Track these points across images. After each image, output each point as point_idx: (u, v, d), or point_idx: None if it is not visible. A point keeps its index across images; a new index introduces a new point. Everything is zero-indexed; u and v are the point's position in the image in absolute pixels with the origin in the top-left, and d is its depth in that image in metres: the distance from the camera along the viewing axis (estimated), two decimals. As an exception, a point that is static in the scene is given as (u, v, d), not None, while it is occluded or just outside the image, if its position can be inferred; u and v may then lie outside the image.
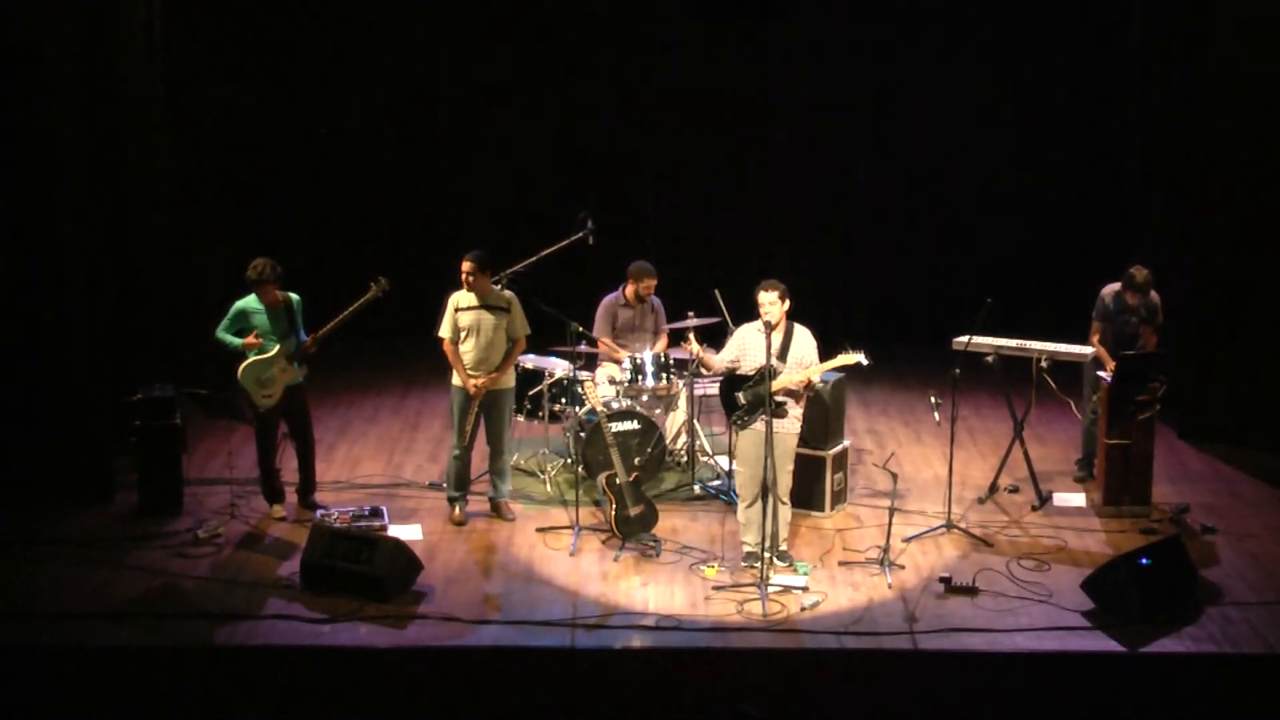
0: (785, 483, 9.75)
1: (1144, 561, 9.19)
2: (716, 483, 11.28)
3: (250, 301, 10.37)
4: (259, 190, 14.68)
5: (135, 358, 11.85)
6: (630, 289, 11.62)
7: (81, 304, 11.00)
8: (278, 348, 10.35)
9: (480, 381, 10.40)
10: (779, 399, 9.53)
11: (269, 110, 14.69)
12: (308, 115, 14.89)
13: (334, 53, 14.88)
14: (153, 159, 12.39)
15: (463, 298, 10.46)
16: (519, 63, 15.01)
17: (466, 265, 10.36)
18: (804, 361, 9.61)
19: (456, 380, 10.49)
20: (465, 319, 10.42)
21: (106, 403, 11.11)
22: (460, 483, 10.63)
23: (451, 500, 10.66)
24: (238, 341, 10.34)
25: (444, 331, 10.48)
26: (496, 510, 10.71)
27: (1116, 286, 10.93)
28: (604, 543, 10.24)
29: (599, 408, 10.55)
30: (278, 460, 10.69)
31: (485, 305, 10.45)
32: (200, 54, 13.33)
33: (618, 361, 11.42)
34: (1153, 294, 10.86)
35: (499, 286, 10.61)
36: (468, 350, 10.43)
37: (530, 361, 11.45)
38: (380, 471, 11.70)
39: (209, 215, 13.64)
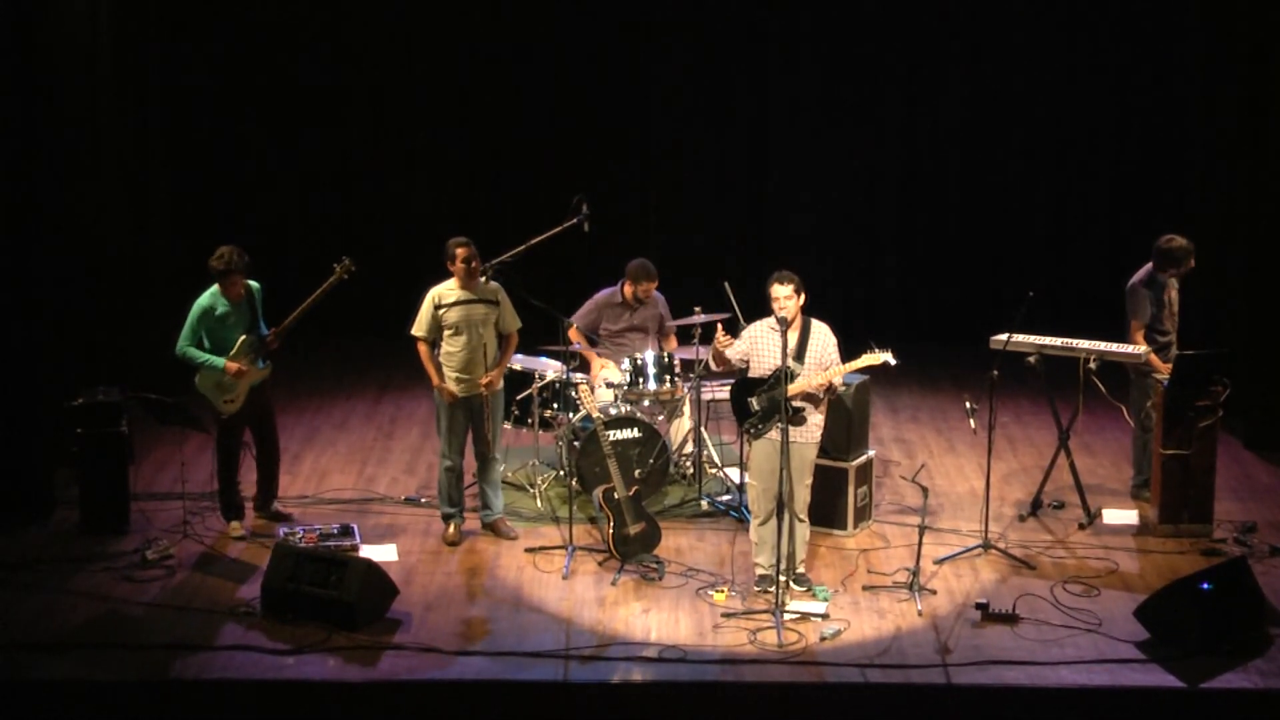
0: (803, 498, 9.72)
1: (1205, 586, 9.16)
2: (726, 498, 11.27)
3: (213, 298, 10.31)
4: (212, 172, 14.70)
5: (76, 358, 11.81)
6: (628, 289, 11.61)
7: (14, 298, 10.96)
8: (240, 342, 10.32)
9: (454, 389, 10.39)
10: (796, 404, 9.50)
11: (223, 89, 14.70)
12: (266, 93, 14.88)
13: (299, 24, 14.86)
14: (95, 139, 12.37)
15: (446, 292, 10.42)
16: (507, 29, 15.00)
17: (463, 251, 10.31)
18: (824, 362, 9.58)
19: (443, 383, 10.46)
20: (452, 315, 10.37)
21: (44, 408, 11.07)
22: (454, 498, 10.61)
23: (446, 518, 10.64)
24: (219, 361, 10.27)
25: (419, 330, 10.44)
26: (494, 530, 10.67)
27: (1144, 273, 10.91)
28: (601, 564, 10.22)
29: (595, 414, 10.53)
30: (239, 472, 10.68)
31: (475, 299, 10.41)
32: (148, 32, 13.31)
33: (587, 356, 11.51)
34: None
35: (483, 279, 10.58)
36: (456, 350, 10.38)
37: (518, 363, 11.42)
38: (351, 485, 11.69)
39: (159, 201, 13.62)
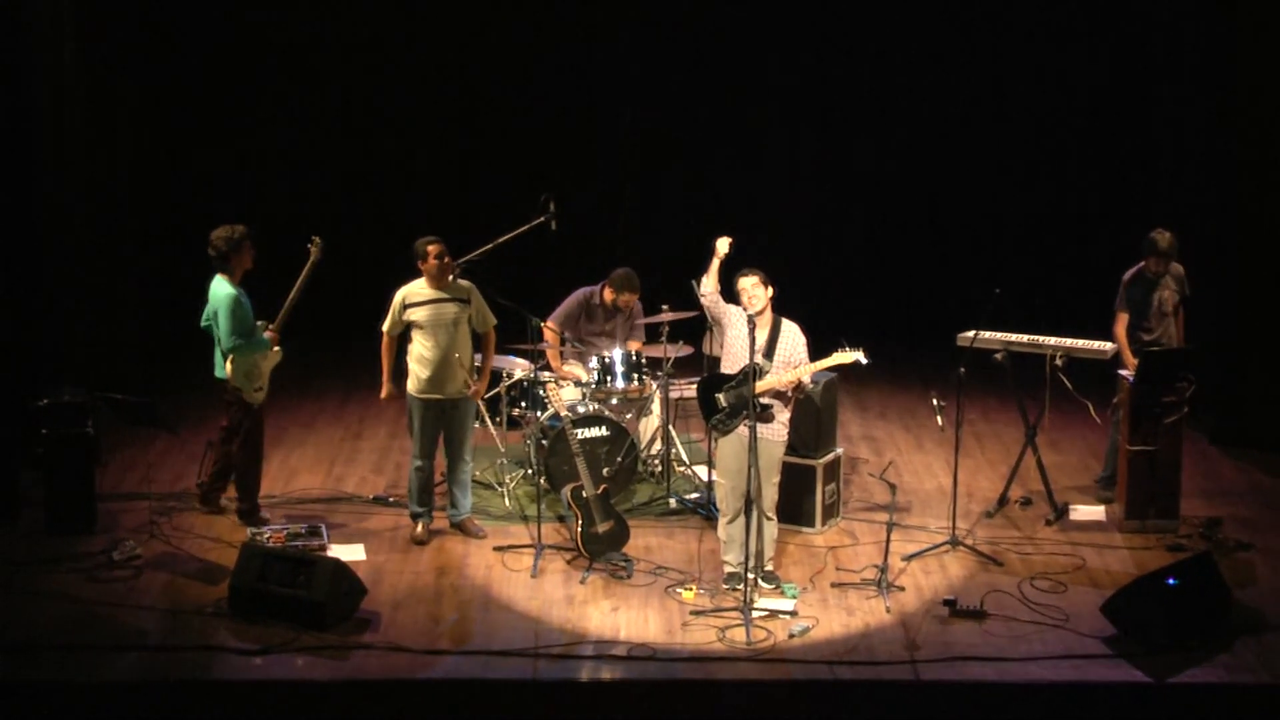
0: (771, 496, 9.75)
1: (1171, 581, 9.22)
2: (695, 496, 11.29)
3: (232, 286, 10.28)
4: (179, 169, 14.67)
5: (42, 358, 11.76)
6: (609, 295, 11.60)
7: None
8: (258, 326, 10.38)
9: (389, 390, 10.49)
10: (764, 402, 9.53)
11: (190, 92, 14.67)
12: (233, 97, 14.85)
13: (263, 20, 14.83)
14: (59, 134, 12.32)
15: (415, 292, 10.40)
16: (477, 26, 14.99)
17: (435, 248, 10.30)
18: (792, 361, 9.61)
19: (412, 386, 10.45)
20: (420, 314, 10.36)
21: (9, 408, 11.02)
22: (423, 498, 10.62)
23: (415, 517, 10.65)
24: (265, 339, 10.36)
25: (385, 324, 10.48)
26: (462, 529, 10.67)
27: (1136, 267, 10.99)
28: (569, 563, 10.23)
29: (563, 412, 10.54)
30: (206, 471, 10.68)
31: (445, 297, 10.41)
32: (115, 24, 13.27)
33: (557, 353, 11.52)
34: (1175, 264, 10.94)
35: (450, 277, 10.57)
36: (427, 351, 10.36)
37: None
38: (319, 485, 11.68)
39: (124, 197, 13.57)
